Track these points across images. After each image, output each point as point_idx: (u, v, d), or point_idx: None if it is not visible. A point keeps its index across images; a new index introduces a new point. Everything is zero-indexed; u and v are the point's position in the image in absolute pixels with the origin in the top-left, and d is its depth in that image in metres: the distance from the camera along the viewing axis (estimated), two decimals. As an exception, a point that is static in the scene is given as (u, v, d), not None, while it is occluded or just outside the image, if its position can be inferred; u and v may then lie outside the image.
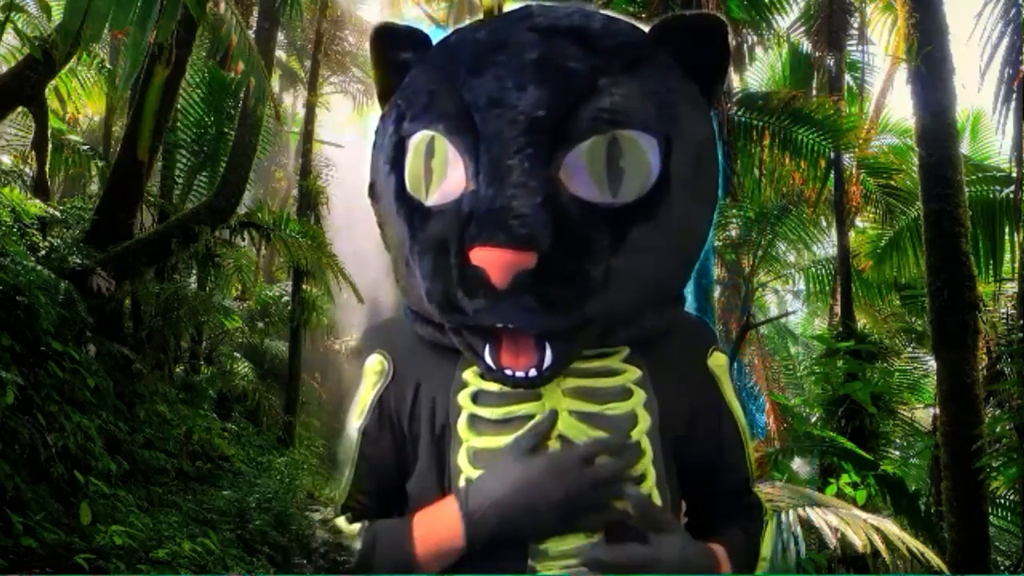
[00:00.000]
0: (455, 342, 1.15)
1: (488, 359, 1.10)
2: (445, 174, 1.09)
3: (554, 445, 1.13)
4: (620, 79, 1.08)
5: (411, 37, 1.25)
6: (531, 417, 1.14)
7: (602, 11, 1.22)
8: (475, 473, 1.14)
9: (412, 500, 1.22)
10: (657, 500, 1.14)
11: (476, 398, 1.17)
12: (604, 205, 1.05)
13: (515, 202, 1.00)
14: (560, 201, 1.03)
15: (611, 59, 1.10)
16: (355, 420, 1.25)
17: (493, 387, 1.15)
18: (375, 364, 1.25)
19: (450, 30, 1.28)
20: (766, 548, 1.25)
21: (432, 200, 1.10)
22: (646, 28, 1.20)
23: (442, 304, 1.07)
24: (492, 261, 0.99)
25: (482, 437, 1.15)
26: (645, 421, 1.15)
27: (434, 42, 1.25)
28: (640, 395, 1.16)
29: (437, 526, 1.13)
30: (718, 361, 1.28)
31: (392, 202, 1.16)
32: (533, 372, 1.08)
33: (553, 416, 1.13)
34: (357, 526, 1.20)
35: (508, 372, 1.09)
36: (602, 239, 1.04)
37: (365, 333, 1.36)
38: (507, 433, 1.14)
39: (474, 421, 1.16)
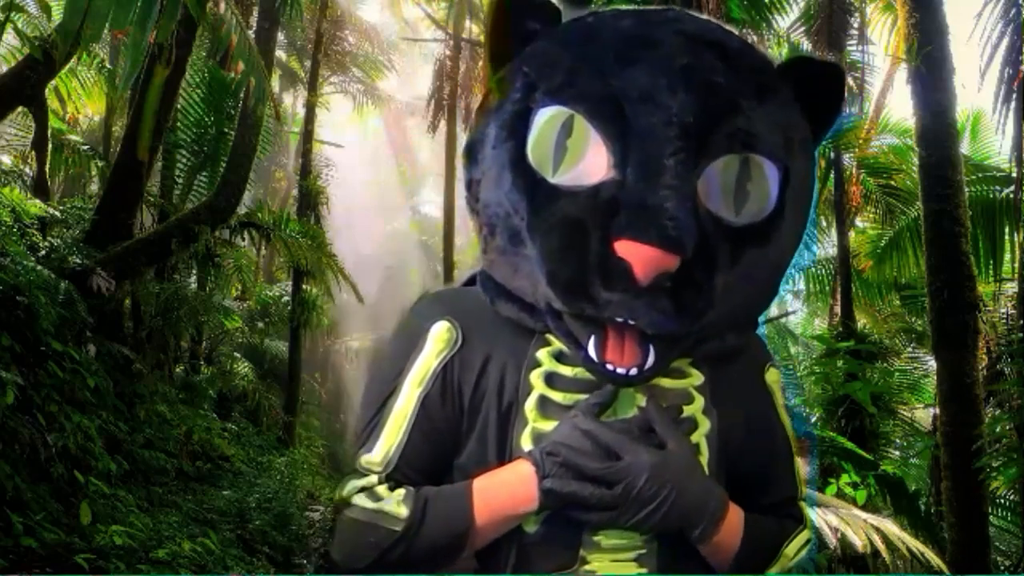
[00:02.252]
0: (552, 327, 1.13)
1: (592, 351, 1.08)
2: (582, 156, 1.07)
3: None
4: (754, 103, 1.10)
5: (545, 7, 1.22)
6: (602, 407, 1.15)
7: (736, 32, 1.23)
8: None
9: (461, 476, 1.18)
10: None
11: (549, 380, 1.15)
12: (727, 222, 1.06)
13: (668, 203, 1.00)
14: (700, 211, 1.04)
15: (748, 81, 1.12)
16: (414, 387, 1.19)
17: (567, 371, 1.15)
18: (442, 331, 1.20)
19: (586, 10, 1.26)
20: (792, 549, 1.25)
21: (560, 179, 1.08)
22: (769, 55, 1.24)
23: (570, 287, 1.05)
24: (640, 257, 0.99)
25: (550, 421, 1.13)
26: (705, 425, 1.17)
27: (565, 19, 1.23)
28: (700, 401, 1.18)
29: (505, 489, 1.12)
30: (773, 377, 1.30)
31: (505, 169, 1.12)
32: (635, 371, 1.07)
33: (616, 390, 1.14)
34: (402, 491, 1.14)
35: (610, 367, 1.08)
36: (724, 254, 1.06)
37: (423, 298, 1.30)
38: None
39: (543, 403, 1.14)
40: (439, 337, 1.20)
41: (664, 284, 1.00)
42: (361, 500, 1.14)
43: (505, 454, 1.15)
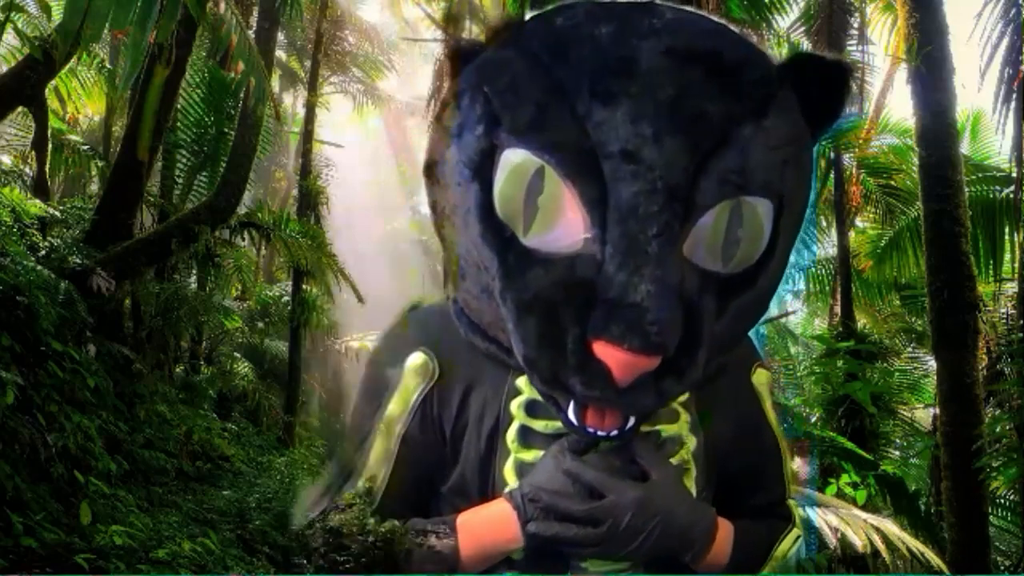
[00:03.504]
0: (533, 383, 1.08)
1: (572, 416, 1.04)
2: (556, 218, 0.97)
3: None
4: (751, 130, 0.99)
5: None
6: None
7: (728, 25, 1.11)
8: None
9: (447, 508, 1.18)
10: None
11: (529, 409, 1.12)
12: (714, 273, 1.00)
13: (651, 302, 0.92)
14: (686, 286, 0.97)
15: (743, 100, 1.00)
16: (394, 424, 1.17)
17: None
18: (418, 363, 1.17)
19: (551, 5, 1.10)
20: (781, 551, 1.24)
21: (532, 241, 0.99)
22: (768, 52, 1.13)
23: (547, 379, 0.99)
24: (619, 362, 0.93)
25: (532, 451, 1.12)
26: (692, 443, 1.15)
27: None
28: (686, 417, 1.16)
29: (489, 527, 1.10)
30: (761, 378, 1.27)
31: (476, 219, 1.02)
32: (615, 432, 1.05)
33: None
34: (389, 523, 1.13)
35: (590, 430, 1.04)
36: (710, 310, 1.00)
37: (400, 321, 1.26)
38: None
39: (524, 433, 1.12)
40: (415, 370, 1.17)
41: (644, 382, 0.96)
42: (353, 524, 1.12)
43: (488, 484, 1.14)
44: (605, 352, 0.93)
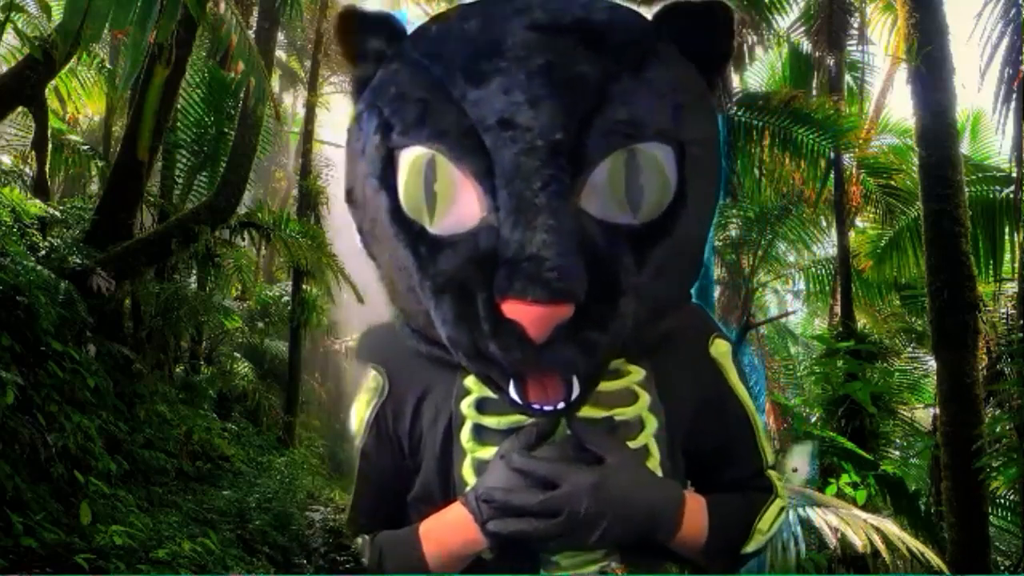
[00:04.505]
0: (473, 371, 1.09)
1: (514, 394, 1.04)
2: (454, 201, 1.01)
3: None
4: (631, 83, 1.01)
5: (383, 25, 1.14)
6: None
7: None
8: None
9: (414, 515, 1.20)
10: None
11: (480, 406, 1.13)
12: (625, 226, 1.00)
13: (547, 251, 0.93)
14: (588, 235, 0.97)
15: (620, 58, 1.02)
16: (356, 441, 1.22)
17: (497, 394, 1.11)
18: (369, 380, 1.21)
19: (425, 18, 1.14)
20: (765, 522, 1.20)
21: (438, 227, 1.02)
22: (647, 12, 1.12)
23: (470, 353, 1.00)
24: (529, 316, 0.93)
25: (488, 448, 1.12)
26: (652, 424, 1.13)
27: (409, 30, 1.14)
28: (645, 398, 1.14)
29: (450, 531, 1.11)
30: (720, 349, 1.24)
31: (387, 224, 1.06)
32: (562, 404, 1.04)
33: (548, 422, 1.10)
34: (360, 540, 1.19)
35: (536, 406, 1.04)
36: (628, 264, 1.00)
37: (358, 344, 1.31)
38: None
39: (478, 431, 1.12)
40: (366, 387, 1.21)
41: (563, 335, 0.95)
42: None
43: (449, 486, 1.14)
44: (514, 310, 0.94)
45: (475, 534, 1.08)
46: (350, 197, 1.15)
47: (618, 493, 1.06)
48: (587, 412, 1.11)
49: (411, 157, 1.03)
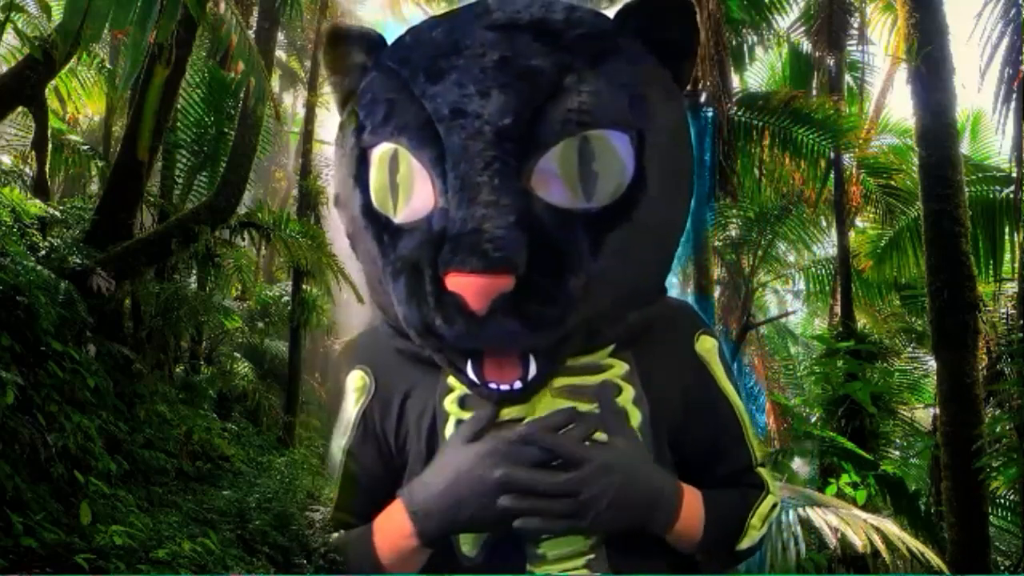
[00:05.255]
0: (436, 359, 1.13)
1: (472, 375, 1.08)
2: (412, 190, 1.06)
3: None
4: (587, 75, 1.04)
5: (364, 39, 1.20)
6: (520, 419, 1.12)
7: (562, 0, 1.16)
8: None
9: None
10: None
11: (463, 403, 1.15)
12: (580, 211, 1.03)
13: (487, 223, 0.97)
14: (534, 214, 1.00)
15: (576, 53, 1.06)
16: (340, 438, 1.24)
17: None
18: (356, 380, 1.24)
19: (404, 28, 1.22)
20: (758, 518, 1.22)
21: (401, 217, 1.07)
22: (611, 13, 1.17)
23: (420, 330, 1.04)
24: (468, 287, 0.96)
25: None
26: (636, 416, 1.14)
27: (389, 41, 1.21)
28: (629, 391, 1.15)
29: (390, 528, 1.14)
30: (705, 345, 1.26)
31: (360, 218, 1.13)
32: (518, 384, 1.06)
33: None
34: (334, 536, 1.23)
35: (493, 386, 1.07)
36: (581, 246, 1.02)
37: (343, 348, 1.34)
38: None
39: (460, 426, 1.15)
40: (353, 387, 1.25)
41: (506, 305, 0.97)
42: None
43: None
44: (455, 283, 0.97)
45: (402, 522, 1.12)
46: (337, 201, 1.23)
47: (623, 470, 1.08)
48: (567, 405, 1.12)
49: (379, 153, 1.09)
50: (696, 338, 1.25)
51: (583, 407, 1.12)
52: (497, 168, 0.99)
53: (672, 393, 1.18)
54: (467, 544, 1.11)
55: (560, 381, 1.12)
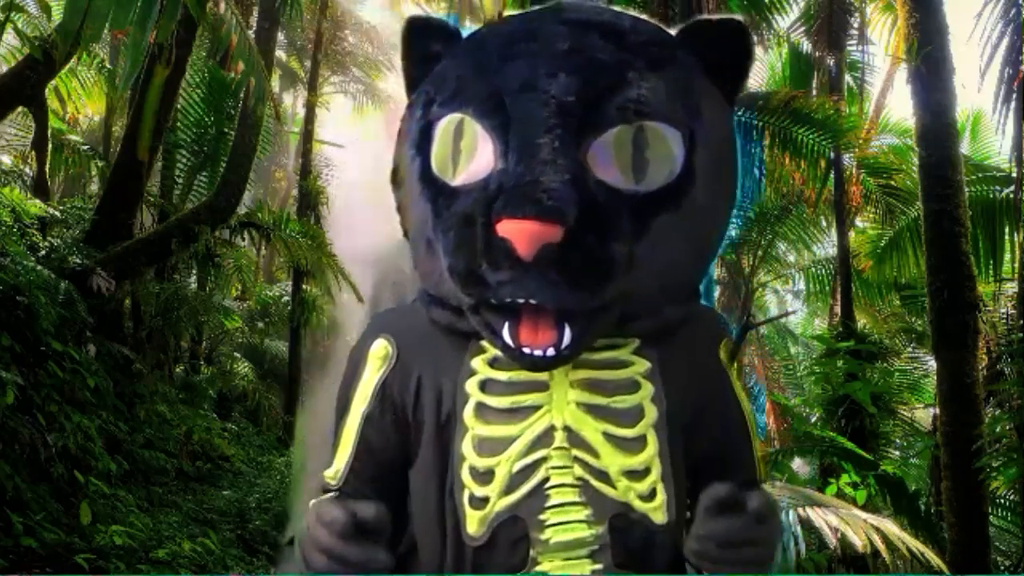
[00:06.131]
0: (472, 322, 1.13)
1: (507, 336, 1.08)
2: (473, 154, 1.10)
3: (560, 437, 1.13)
4: (647, 74, 1.10)
5: (442, 30, 1.27)
6: (538, 408, 1.14)
7: (631, 13, 1.26)
8: (479, 461, 1.13)
9: (414, 487, 1.23)
10: (661, 495, 1.13)
11: (484, 386, 1.16)
12: (628, 192, 1.06)
13: (544, 177, 1.01)
14: (586, 182, 1.04)
15: (638, 55, 1.13)
16: (358, 405, 1.24)
17: (502, 376, 1.15)
18: (379, 349, 1.24)
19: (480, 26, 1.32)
20: None
21: (459, 180, 1.11)
22: (673, 31, 1.23)
23: (464, 277, 1.06)
24: (519, 232, 0.99)
25: (488, 426, 1.14)
26: (652, 414, 1.14)
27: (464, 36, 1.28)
28: (648, 388, 1.15)
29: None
30: (725, 351, 1.27)
31: (416, 184, 1.16)
32: (551, 351, 1.07)
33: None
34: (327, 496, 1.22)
35: (526, 350, 1.07)
36: (626, 224, 1.05)
37: (370, 321, 1.34)
38: (513, 423, 1.14)
39: (481, 409, 1.15)
40: (376, 355, 1.24)
41: (550, 255, 0.99)
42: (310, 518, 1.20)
43: (446, 460, 1.17)
44: (506, 228, 1.00)
45: None
46: (394, 177, 1.26)
47: None
48: (586, 398, 1.14)
49: (444, 123, 1.14)
50: (721, 344, 1.27)
51: (600, 401, 1.13)
52: (558, 134, 1.04)
53: (690, 396, 1.19)
54: (473, 524, 1.12)
55: (580, 373, 1.13)
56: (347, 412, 1.25)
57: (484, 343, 1.17)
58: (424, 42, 1.26)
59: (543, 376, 1.15)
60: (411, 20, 1.30)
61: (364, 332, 1.30)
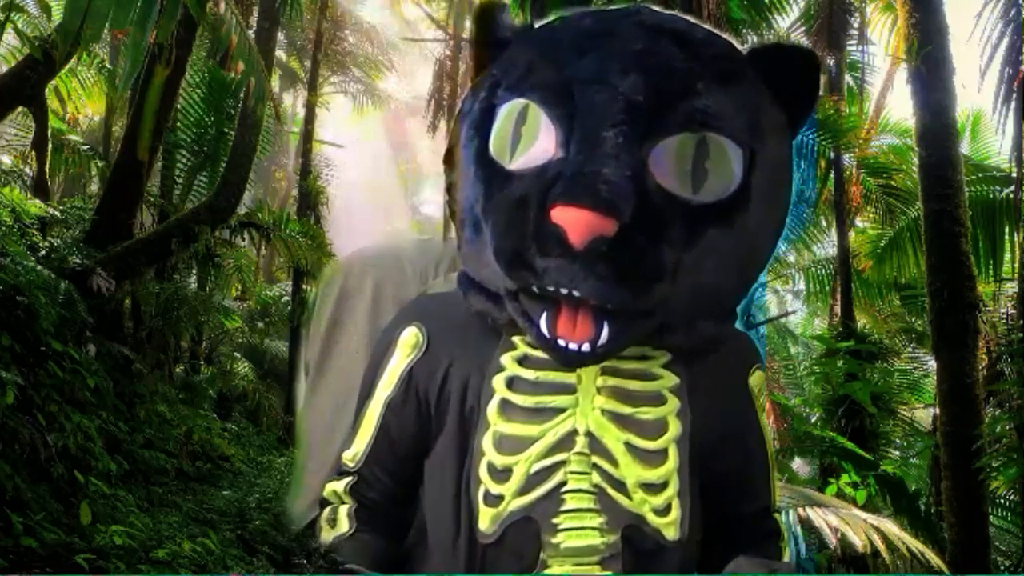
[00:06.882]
0: (510, 309, 1.12)
1: (543, 326, 1.07)
2: (534, 141, 1.09)
3: (581, 442, 1.12)
4: (715, 87, 1.09)
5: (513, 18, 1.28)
6: (562, 410, 1.13)
7: (706, 25, 1.24)
8: (497, 458, 1.13)
9: (429, 477, 1.22)
10: (676, 511, 1.13)
11: (511, 384, 1.15)
12: (683, 199, 1.05)
13: (605, 169, 1.00)
14: (645, 182, 1.03)
15: (709, 66, 1.11)
16: (383, 390, 1.24)
17: (530, 375, 1.15)
18: (410, 336, 1.24)
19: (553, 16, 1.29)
20: None
21: (516, 164, 1.09)
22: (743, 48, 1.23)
23: (511, 260, 1.04)
24: (573, 220, 0.98)
25: (511, 424, 1.14)
26: (675, 429, 1.14)
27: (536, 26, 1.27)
28: (674, 403, 1.15)
29: None
30: (757, 380, 1.27)
31: (470, 165, 1.14)
32: (586, 347, 1.06)
33: None
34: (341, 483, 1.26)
35: (561, 342, 1.06)
36: (678, 232, 1.03)
37: (407, 305, 1.33)
38: (536, 423, 1.13)
39: (505, 406, 1.15)
40: (406, 342, 1.24)
41: (600, 248, 0.98)
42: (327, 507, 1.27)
43: (465, 454, 1.17)
44: (560, 215, 0.99)
45: None
46: (448, 158, 1.24)
47: None
48: (612, 406, 1.13)
49: (508, 107, 1.12)
50: (752, 371, 1.26)
51: (625, 410, 1.13)
52: (623, 130, 1.03)
53: (714, 417, 1.18)
54: (485, 521, 1.11)
55: (609, 381, 1.13)
56: (371, 396, 1.25)
57: (516, 340, 1.17)
58: (496, 28, 1.24)
59: (571, 379, 1.14)
60: (484, 5, 1.29)
61: (397, 316, 1.30)
